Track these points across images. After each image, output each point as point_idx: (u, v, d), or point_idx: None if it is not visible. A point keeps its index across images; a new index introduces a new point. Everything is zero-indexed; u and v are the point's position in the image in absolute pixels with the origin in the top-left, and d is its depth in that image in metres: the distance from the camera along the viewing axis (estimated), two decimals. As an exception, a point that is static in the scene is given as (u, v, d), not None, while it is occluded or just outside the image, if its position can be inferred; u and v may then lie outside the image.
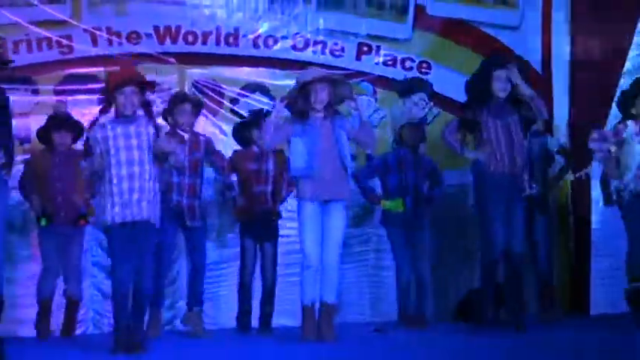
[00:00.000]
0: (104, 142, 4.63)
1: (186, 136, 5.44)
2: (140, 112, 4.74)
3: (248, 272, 5.65)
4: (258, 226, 5.65)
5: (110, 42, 6.33)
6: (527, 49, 6.71)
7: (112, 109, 4.71)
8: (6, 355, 4.41)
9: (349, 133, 5.02)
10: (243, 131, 5.77)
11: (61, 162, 5.54)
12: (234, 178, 5.80)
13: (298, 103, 4.96)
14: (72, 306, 5.52)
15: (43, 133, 5.65)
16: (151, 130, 4.72)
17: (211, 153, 5.62)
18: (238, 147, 5.91)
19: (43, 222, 5.42)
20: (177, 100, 5.56)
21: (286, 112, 5.00)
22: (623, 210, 5.32)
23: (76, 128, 5.70)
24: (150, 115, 4.78)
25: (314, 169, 4.88)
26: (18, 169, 5.55)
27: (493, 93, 5.24)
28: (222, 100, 6.54)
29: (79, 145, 5.62)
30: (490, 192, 5.24)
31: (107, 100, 4.71)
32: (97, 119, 4.77)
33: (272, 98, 6.49)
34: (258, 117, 5.69)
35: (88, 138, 4.78)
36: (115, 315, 4.67)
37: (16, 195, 5.68)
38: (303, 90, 4.91)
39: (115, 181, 4.60)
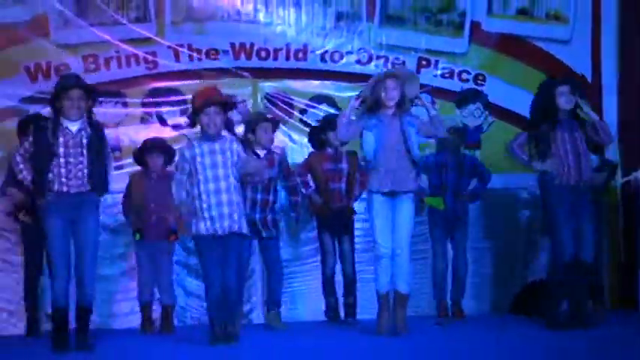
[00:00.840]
0: (192, 161, 4.87)
1: (262, 153, 5.68)
2: (224, 132, 4.92)
3: (329, 266, 5.92)
4: (335, 222, 5.91)
5: (191, 58, 6.66)
6: (578, 62, 6.90)
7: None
8: (94, 346, 4.80)
9: (419, 129, 5.12)
10: (317, 135, 6.02)
11: (155, 183, 5.79)
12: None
13: (370, 99, 5.07)
14: (167, 311, 5.89)
15: (138, 156, 5.94)
16: (235, 145, 4.92)
17: (284, 169, 5.84)
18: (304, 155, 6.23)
19: (137, 237, 5.80)
20: (260, 119, 5.81)
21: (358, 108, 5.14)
22: None
23: (167, 152, 5.92)
24: (232, 132, 5.06)
25: (382, 161, 5.02)
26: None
27: (559, 107, 5.34)
28: (291, 110, 6.81)
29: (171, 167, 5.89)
30: (558, 203, 5.30)
31: (193, 120, 4.94)
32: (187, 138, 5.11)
33: (338, 109, 6.70)
34: (331, 122, 5.94)
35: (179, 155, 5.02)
36: (210, 314, 4.91)
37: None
38: (375, 88, 5.05)
39: (203, 197, 4.83)
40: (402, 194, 5.07)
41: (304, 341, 5.25)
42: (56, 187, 4.72)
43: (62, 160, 4.75)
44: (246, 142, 5.67)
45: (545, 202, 5.47)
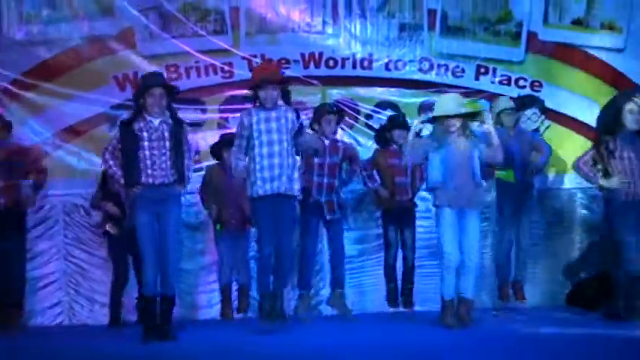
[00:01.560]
0: (249, 127, 5.16)
1: (327, 142, 6.05)
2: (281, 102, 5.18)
3: (392, 255, 6.28)
4: (399, 214, 6.26)
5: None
6: (632, 69, 7.06)
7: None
8: (176, 337, 5.07)
9: (481, 153, 5.27)
10: (383, 133, 6.38)
11: (230, 176, 5.92)
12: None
13: (435, 126, 5.33)
14: (242, 291, 6.33)
15: (216, 150, 6.33)
16: (290, 114, 5.19)
17: (349, 157, 6.20)
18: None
19: (219, 227, 6.24)
20: (324, 111, 6.12)
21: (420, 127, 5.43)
22: None
23: None
24: (289, 104, 5.24)
25: (450, 181, 5.19)
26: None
27: (624, 124, 5.50)
28: (358, 115, 7.11)
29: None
30: (623, 218, 5.47)
31: (253, 93, 5.22)
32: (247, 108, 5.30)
33: (401, 114, 6.83)
34: (394, 121, 6.29)
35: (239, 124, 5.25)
36: (259, 279, 5.19)
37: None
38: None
39: (257, 159, 5.14)
40: (468, 209, 5.22)
41: (371, 330, 5.57)
42: (143, 179, 4.98)
43: (147, 152, 4.99)
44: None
45: (610, 216, 5.62)
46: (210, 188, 6.32)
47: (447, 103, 5.35)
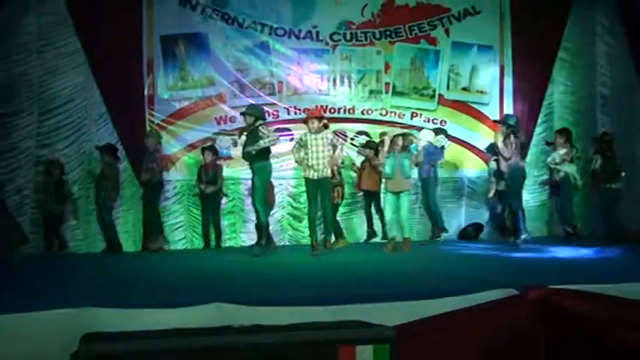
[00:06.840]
0: (305, 142, 8.89)
1: None
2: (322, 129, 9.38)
3: (367, 215, 11.42)
4: (368, 197, 11.27)
5: (296, 113, 11.68)
6: (492, 114, 11.96)
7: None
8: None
9: (411, 160, 9.28)
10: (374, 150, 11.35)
11: None
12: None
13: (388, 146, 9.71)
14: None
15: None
16: (329, 135, 9.02)
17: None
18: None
19: None
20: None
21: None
22: None
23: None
24: (326, 129, 9.47)
25: (391, 176, 9.16)
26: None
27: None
28: (346, 138, 11.86)
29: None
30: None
31: (307, 125, 9.37)
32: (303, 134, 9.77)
33: (370, 137, 11.74)
34: (370, 147, 11.25)
35: (297, 141, 9.51)
36: (310, 230, 9.60)
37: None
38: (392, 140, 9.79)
39: (309, 159, 8.79)
40: (401, 192, 9.20)
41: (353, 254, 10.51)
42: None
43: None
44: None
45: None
46: None
47: (393, 132, 10.15)
